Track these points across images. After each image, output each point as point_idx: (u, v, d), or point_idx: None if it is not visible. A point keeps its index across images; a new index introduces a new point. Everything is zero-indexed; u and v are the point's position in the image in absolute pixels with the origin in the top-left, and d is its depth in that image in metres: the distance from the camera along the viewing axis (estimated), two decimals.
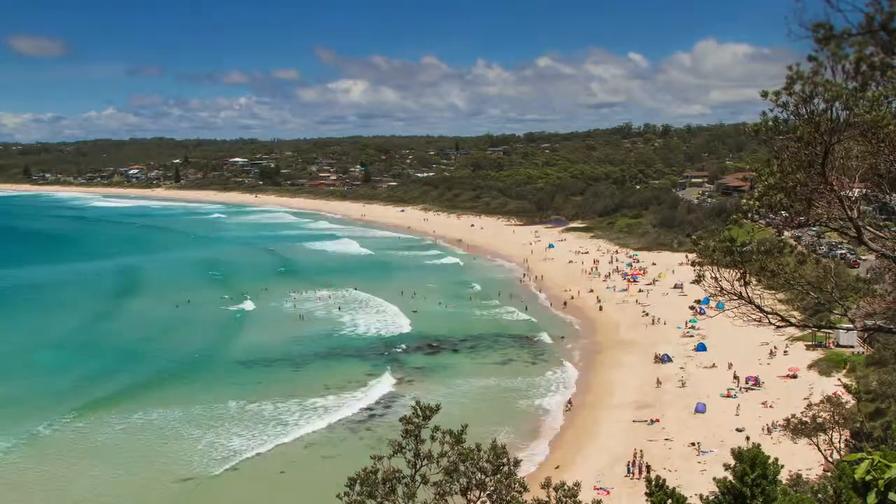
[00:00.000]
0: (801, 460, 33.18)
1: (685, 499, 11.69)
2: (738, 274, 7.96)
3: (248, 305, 79.06)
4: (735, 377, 50.59)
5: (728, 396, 48.08)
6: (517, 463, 12.42)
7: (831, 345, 55.27)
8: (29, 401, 49.10)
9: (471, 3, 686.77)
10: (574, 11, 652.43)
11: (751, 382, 49.75)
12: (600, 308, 74.41)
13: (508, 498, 11.76)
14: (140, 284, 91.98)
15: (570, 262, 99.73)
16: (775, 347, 54.49)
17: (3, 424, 44.85)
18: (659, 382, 50.73)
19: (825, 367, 51.15)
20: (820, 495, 12.65)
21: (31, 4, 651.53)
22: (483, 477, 11.90)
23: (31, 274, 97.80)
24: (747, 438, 37.82)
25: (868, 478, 4.36)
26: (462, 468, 11.79)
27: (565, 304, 76.82)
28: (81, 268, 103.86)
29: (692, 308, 69.08)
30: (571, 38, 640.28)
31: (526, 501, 12.17)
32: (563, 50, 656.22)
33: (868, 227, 7.27)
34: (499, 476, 11.90)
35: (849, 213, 7.06)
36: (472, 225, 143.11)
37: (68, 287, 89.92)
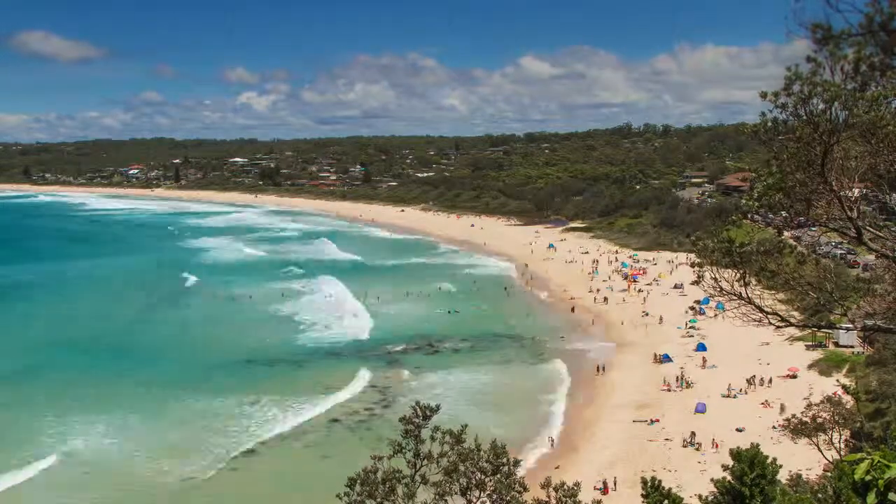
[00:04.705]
0: (801, 460, 33.18)
1: (681, 500, 11.70)
2: (738, 274, 7.96)
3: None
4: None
5: (728, 396, 48.08)
6: (517, 463, 12.41)
7: (831, 345, 55.27)
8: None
9: (469, 4, 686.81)
10: (572, 12, 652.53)
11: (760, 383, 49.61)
12: (600, 308, 74.43)
13: (508, 498, 11.75)
14: None
15: (571, 261, 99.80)
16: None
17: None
18: (667, 385, 50.37)
19: (825, 367, 51.14)
20: (820, 495, 12.65)
21: (28, 4, 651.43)
22: (483, 477, 11.90)
23: None
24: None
25: (868, 478, 4.35)
26: (462, 468, 11.79)
27: (571, 308, 76.80)
28: None
29: (692, 308, 69.42)
30: (570, 39, 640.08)
31: (526, 501, 12.16)
32: (559, 50, 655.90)
33: (868, 227, 7.27)
34: (499, 476, 11.89)
35: (848, 213, 7.06)
36: (473, 225, 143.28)
37: None
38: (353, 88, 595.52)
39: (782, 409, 42.56)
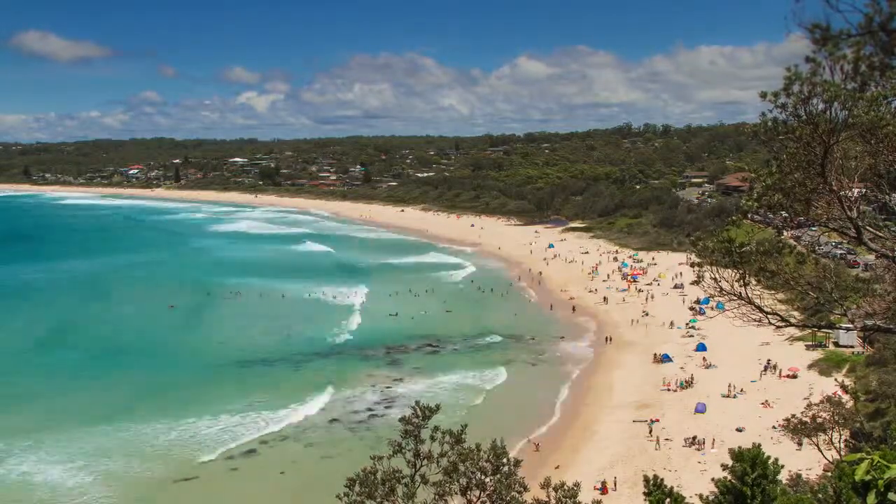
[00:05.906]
0: (801, 460, 33.20)
1: (683, 498, 11.70)
2: (738, 274, 7.95)
3: None
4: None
5: (729, 396, 48.05)
6: (517, 463, 12.40)
7: (831, 345, 55.21)
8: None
9: (466, 3, 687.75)
10: (569, 12, 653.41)
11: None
12: (600, 308, 74.41)
13: (508, 498, 11.74)
14: None
15: (571, 261, 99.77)
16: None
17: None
18: (667, 385, 50.46)
19: (825, 367, 51.10)
20: (820, 495, 12.64)
21: (28, 4, 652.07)
22: (483, 477, 11.89)
23: None
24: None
25: (868, 478, 4.35)
26: (462, 468, 11.78)
27: (571, 307, 76.76)
28: None
29: (692, 309, 69.41)
30: (567, 39, 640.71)
31: (526, 501, 12.15)
32: (556, 50, 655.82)
33: (868, 228, 7.26)
34: (499, 476, 11.88)
35: (848, 213, 7.05)
36: (472, 225, 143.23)
37: None
38: (352, 88, 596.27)
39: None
